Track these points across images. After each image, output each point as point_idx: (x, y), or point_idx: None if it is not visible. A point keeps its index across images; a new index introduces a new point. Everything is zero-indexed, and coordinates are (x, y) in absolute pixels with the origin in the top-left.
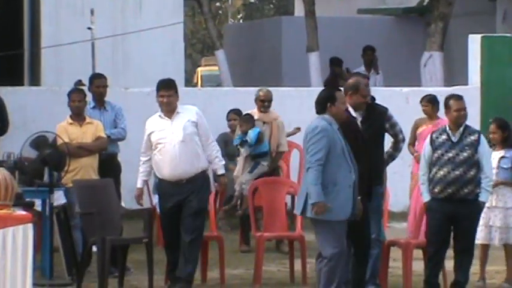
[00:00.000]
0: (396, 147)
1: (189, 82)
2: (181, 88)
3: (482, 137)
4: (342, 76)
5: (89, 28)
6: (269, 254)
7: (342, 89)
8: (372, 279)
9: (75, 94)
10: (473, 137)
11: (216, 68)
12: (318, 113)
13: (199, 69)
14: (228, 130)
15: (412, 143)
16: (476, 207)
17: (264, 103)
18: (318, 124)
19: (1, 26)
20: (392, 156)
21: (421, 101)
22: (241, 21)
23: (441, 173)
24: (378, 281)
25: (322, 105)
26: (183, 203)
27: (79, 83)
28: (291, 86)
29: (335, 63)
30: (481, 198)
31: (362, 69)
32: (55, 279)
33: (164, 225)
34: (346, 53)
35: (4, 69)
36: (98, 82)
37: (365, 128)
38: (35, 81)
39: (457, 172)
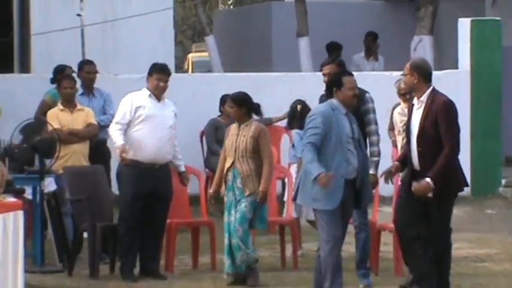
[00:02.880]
0: (370, 142)
1: (180, 68)
2: (172, 74)
3: None
4: None
5: (79, 15)
6: (260, 239)
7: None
8: (362, 263)
9: (67, 81)
10: None
11: (206, 54)
12: (327, 97)
13: (190, 55)
14: (217, 115)
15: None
16: None
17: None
18: (316, 110)
19: None
20: (374, 162)
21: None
22: (231, 7)
23: None
24: (369, 265)
25: (329, 90)
26: (152, 190)
27: (69, 69)
28: (281, 71)
29: (333, 48)
30: None
31: (362, 55)
32: (46, 266)
33: (129, 212)
34: (336, 38)
35: None
36: (88, 68)
37: None
38: (25, 68)
39: None
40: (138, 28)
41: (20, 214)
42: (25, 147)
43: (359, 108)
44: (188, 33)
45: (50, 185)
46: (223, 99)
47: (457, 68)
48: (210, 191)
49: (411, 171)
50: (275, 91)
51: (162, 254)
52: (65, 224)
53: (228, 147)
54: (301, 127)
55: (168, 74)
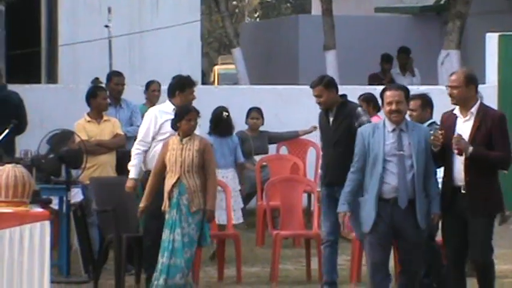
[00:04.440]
0: None
1: (206, 80)
2: (199, 86)
3: None
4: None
5: (106, 26)
6: (285, 252)
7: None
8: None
9: (103, 92)
10: None
11: (232, 66)
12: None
13: (216, 67)
14: (245, 128)
15: None
16: None
17: None
18: (361, 128)
19: (19, 24)
20: None
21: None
22: (258, 19)
23: None
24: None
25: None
26: None
27: (96, 80)
28: (308, 84)
29: (387, 59)
30: None
31: (397, 70)
32: (72, 276)
33: (154, 224)
34: (364, 52)
35: (21, 67)
36: (117, 80)
37: (334, 127)
38: (52, 79)
39: None
40: (165, 40)
41: (47, 224)
42: (52, 157)
43: (352, 123)
44: (214, 45)
45: (76, 195)
46: (251, 112)
47: (484, 83)
48: (141, 205)
49: (451, 188)
50: (301, 104)
51: None
52: (91, 235)
53: (171, 162)
54: (222, 135)
55: (195, 85)
